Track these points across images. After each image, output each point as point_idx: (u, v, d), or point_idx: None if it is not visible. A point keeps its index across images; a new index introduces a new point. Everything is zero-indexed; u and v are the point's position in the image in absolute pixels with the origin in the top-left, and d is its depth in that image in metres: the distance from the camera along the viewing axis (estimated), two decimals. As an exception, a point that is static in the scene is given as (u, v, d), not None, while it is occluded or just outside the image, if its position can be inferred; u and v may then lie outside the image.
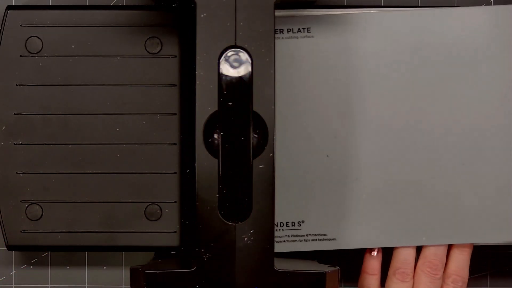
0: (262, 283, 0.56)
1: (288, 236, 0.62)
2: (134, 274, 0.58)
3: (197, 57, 0.55)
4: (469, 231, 0.62)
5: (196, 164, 0.55)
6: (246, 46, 0.55)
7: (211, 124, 0.56)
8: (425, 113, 0.62)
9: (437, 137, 0.62)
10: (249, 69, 0.55)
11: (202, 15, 0.55)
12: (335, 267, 0.58)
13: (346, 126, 0.62)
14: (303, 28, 0.62)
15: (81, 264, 0.67)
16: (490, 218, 0.62)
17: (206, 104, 0.55)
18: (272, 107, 0.55)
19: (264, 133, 0.56)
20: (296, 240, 0.62)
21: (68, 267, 0.67)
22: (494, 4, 0.66)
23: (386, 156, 0.62)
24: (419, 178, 0.62)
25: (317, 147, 0.62)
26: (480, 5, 0.66)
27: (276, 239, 0.62)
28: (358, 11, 0.61)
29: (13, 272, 0.67)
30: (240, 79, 0.55)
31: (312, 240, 0.62)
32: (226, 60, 0.55)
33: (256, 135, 0.56)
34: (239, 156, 0.55)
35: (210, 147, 0.56)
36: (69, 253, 0.67)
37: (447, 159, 0.62)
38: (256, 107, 0.55)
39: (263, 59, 0.55)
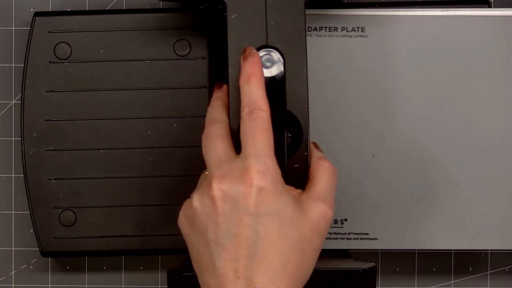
0: None
1: (330, 233, 0.62)
2: (172, 277, 0.58)
3: (229, 58, 0.55)
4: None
5: None
6: (278, 45, 0.55)
7: None
8: (459, 112, 0.62)
9: (476, 139, 0.62)
10: (281, 68, 0.55)
11: (232, 16, 0.55)
12: (372, 264, 0.58)
13: (391, 126, 0.62)
14: (357, 28, 0.62)
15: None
16: None
17: (239, 104, 0.55)
18: (306, 106, 0.55)
19: (298, 132, 0.55)
20: (338, 238, 0.62)
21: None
22: (494, 6, 0.66)
23: (431, 157, 0.62)
24: (458, 179, 0.62)
25: (363, 147, 0.62)
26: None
27: None
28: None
29: (13, 272, 0.68)
30: (272, 79, 0.55)
31: (354, 238, 0.62)
32: None
33: (290, 135, 0.56)
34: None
35: None
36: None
37: (488, 162, 0.62)
38: (289, 107, 0.55)
39: (295, 58, 0.55)
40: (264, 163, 0.51)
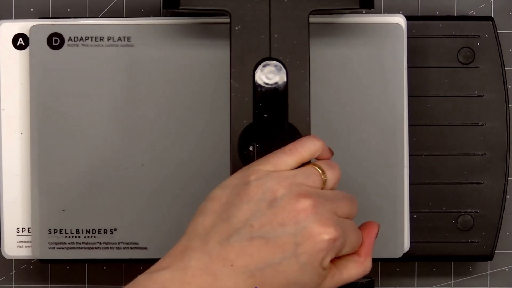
0: None
1: (100, 243, 0.62)
2: None
3: (232, 69, 0.54)
4: None
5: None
6: (281, 58, 0.55)
7: (247, 136, 0.55)
8: None
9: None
10: (285, 80, 0.55)
11: (236, 28, 0.54)
12: (370, 278, 0.58)
13: (160, 135, 0.62)
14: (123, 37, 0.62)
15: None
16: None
17: (241, 116, 0.55)
18: (308, 118, 0.55)
19: None
20: (108, 248, 0.62)
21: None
22: (494, 6, 0.66)
23: (201, 167, 0.62)
24: None
25: (132, 155, 0.62)
26: (479, 7, 0.66)
27: (87, 245, 0.62)
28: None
29: (13, 272, 0.68)
30: (275, 90, 0.55)
31: (124, 248, 0.62)
32: (261, 72, 0.55)
33: None
34: None
35: (246, 159, 0.55)
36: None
37: None
38: (291, 119, 0.55)
39: (298, 70, 0.55)
40: None
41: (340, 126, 0.62)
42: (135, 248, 0.62)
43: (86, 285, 0.68)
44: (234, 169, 0.55)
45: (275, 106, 0.55)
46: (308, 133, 0.55)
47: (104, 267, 0.68)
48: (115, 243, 0.62)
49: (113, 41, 0.61)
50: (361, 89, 0.62)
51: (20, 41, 0.61)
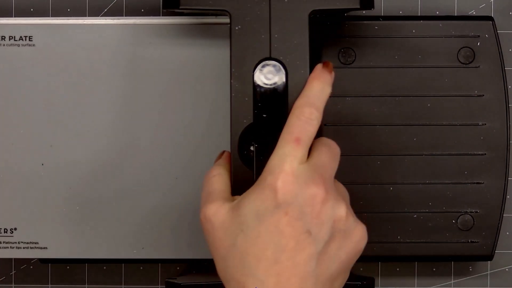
0: None
1: (1, 243, 0.62)
2: (170, 286, 0.58)
3: (232, 69, 0.54)
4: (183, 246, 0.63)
5: (232, 177, 0.55)
6: (281, 58, 0.55)
7: (247, 136, 0.55)
8: (142, 124, 0.62)
9: (152, 149, 0.62)
10: (284, 81, 0.55)
11: (236, 28, 0.54)
12: (370, 277, 0.57)
13: (61, 135, 0.62)
14: (25, 37, 0.62)
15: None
16: None
17: (241, 116, 0.55)
18: None
19: None
20: (8, 247, 0.62)
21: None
22: (494, 6, 0.66)
23: (102, 167, 0.62)
24: (135, 189, 0.62)
25: (32, 155, 0.62)
26: (479, 7, 0.67)
27: None
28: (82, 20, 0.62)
29: (13, 272, 0.68)
30: (275, 91, 0.55)
31: (24, 248, 0.62)
32: (260, 72, 0.55)
33: None
34: None
35: (246, 159, 0.55)
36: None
37: (163, 172, 0.62)
38: None
39: (298, 71, 0.54)
40: None
41: None
42: (35, 247, 0.62)
43: (86, 285, 0.68)
44: (235, 169, 0.55)
45: (274, 106, 0.55)
46: None
47: (104, 267, 0.67)
48: (15, 242, 0.63)
49: (14, 40, 0.62)
50: None
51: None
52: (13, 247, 0.63)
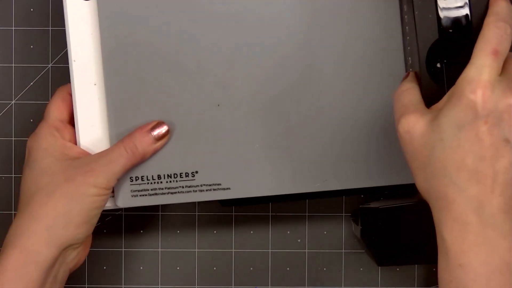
0: None
1: (183, 187, 0.62)
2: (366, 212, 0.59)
3: None
4: (364, 175, 0.62)
5: (422, 94, 0.55)
6: None
7: (434, 52, 0.55)
8: (312, 59, 0.61)
9: (324, 84, 0.61)
10: None
11: None
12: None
13: (235, 76, 0.61)
14: None
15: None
16: (379, 161, 0.62)
17: (427, 33, 0.55)
18: None
19: None
20: (190, 191, 0.62)
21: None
22: None
23: (278, 104, 0.62)
24: (309, 124, 0.62)
25: (207, 97, 0.61)
26: None
27: (170, 190, 0.62)
28: None
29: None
30: (459, 7, 0.55)
31: (206, 190, 0.62)
32: None
33: None
34: None
35: (434, 75, 0.56)
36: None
37: (335, 105, 0.62)
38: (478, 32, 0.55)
39: None
40: None
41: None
42: (218, 189, 0.62)
43: (86, 285, 0.68)
44: (424, 86, 0.55)
45: (459, 20, 0.55)
46: None
47: (104, 267, 0.68)
48: (198, 185, 0.62)
49: None
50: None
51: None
52: (196, 191, 0.62)
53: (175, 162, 0.61)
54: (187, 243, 0.68)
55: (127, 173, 0.61)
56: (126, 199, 0.61)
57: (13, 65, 0.66)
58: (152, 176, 0.61)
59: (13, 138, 0.66)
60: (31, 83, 0.66)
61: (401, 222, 0.58)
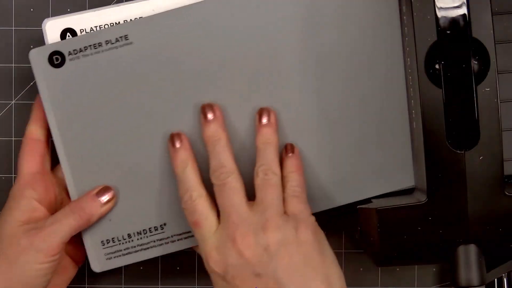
0: (493, 209, 0.56)
1: (154, 241, 0.63)
2: (365, 212, 0.60)
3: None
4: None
5: (419, 96, 0.56)
6: None
7: (432, 54, 0.56)
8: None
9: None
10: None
11: None
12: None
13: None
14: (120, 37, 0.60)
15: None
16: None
17: (425, 34, 0.55)
18: (491, 31, 0.55)
19: (484, 58, 0.56)
20: (162, 244, 0.63)
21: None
22: None
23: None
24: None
25: (161, 157, 0.61)
26: None
27: (142, 247, 0.63)
28: None
29: None
30: (456, 7, 0.55)
31: (178, 240, 0.63)
32: None
33: (476, 62, 0.56)
34: (462, 83, 0.56)
35: (432, 77, 0.56)
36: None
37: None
38: (475, 33, 0.55)
39: None
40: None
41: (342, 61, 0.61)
42: (189, 237, 0.62)
43: (86, 285, 0.68)
44: (422, 88, 0.56)
45: (457, 22, 0.55)
46: (492, 46, 0.56)
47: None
48: (168, 237, 0.62)
49: (111, 43, 0.60)
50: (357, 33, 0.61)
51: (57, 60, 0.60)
52: (167, 242, 0.62)
53: (142, 218, 0.62)
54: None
55: (97, 238, 0.62)
56: (101, 263, 0.63)
57: (13, 65, 0.66)
58: (122, 236, 0.62)
59: (13, 138, 0.66)
60: (31, 83, 0.66)
61: (400, 222, 0.58)
